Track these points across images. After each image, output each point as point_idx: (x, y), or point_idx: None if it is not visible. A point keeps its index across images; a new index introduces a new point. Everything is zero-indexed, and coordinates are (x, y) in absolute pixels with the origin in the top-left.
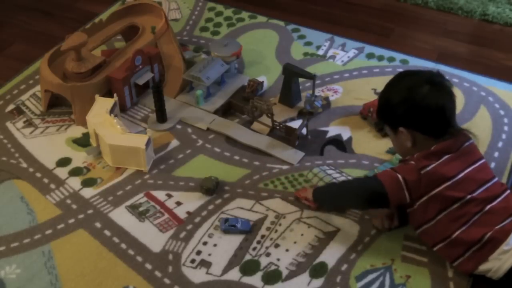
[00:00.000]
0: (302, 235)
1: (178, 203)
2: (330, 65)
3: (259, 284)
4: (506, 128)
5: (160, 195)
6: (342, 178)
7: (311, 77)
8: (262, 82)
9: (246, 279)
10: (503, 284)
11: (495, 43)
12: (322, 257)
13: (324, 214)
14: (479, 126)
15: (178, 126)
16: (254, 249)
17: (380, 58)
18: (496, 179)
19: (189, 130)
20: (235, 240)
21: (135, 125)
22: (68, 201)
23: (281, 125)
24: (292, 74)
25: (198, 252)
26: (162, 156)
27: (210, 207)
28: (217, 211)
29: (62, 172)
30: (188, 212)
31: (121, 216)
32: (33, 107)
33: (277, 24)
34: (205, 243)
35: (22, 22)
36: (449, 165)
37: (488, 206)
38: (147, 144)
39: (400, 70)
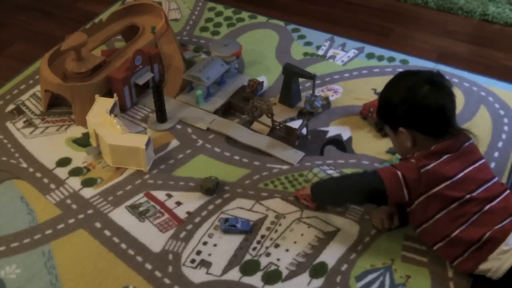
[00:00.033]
0: (302, 235)
1: (178, 203)
2: (330, 65)
3: (259, 284)
4: (506, 128)
5: (160, 195)
6: None
7: (311, 77)
8: (262, 82)
9: (246, 279)
10: (503, 284)
11: (495, 43)
12: (322, 257)
13: (324, 214)
14: (479, 126)
15: (178, 126)
16: (254, 249)
17: (380, 58)
18: (496, 179)
19: (189, 130)
20: (235, 240)
21: (135, 125)
22: (68, 201)
23: (281, 125)
24: (292, 74)
25: (198, 252)
26: (162, 156)
27: (210, 207)
28: (217, 211)
29: (62, 172)
30: (188, 212)
31: (121, 216)
32: (33, 107)
33: (277, 24)
34: (205, 243)
35: (22, 22)
36: (449, 165)
37: (488, 206)
38: (147, 144)
39: (400, 70)
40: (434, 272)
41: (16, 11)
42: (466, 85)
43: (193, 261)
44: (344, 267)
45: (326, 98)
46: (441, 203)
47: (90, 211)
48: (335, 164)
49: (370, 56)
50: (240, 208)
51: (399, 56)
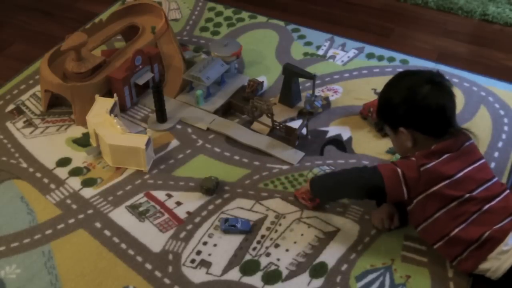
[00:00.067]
0: (302, 235)
1: (178, 203)
2: (330, 65)
3: (259, 284)
4: (506, 128)
5: (160, 195)
6: None
7: (311, 77)
8: (262, 82)
9: (246, 279)
10: (503, 284)
11: (495, 43)
12: (322, 257)
13: (324, 214)
14: (479, 126)
15: (178, 126)
16: (254, 249)
17: (380, 58)
18: (496, 179)
19: (189, 130)
20: (235, 240)
21: (135, 125)
22: (68, 201)
23: (281, 125)
24: (292, 74)
25: (198, 252)
26: (162, 156)
27: (210, 207)
28: (217, 211)
29: (62, 172)
30: (188, 212)
31: (121, 216)
32: (33, 107)
33: (277, 24)
34: (205, 243)
35: (22, 22)
36: (449, 164)
37: (487, 206)
38: (147, 144)
39: (400, 70)
40: (434, 272)
41: (16, 11)
42: (466, 85)
43: (193, 261)
44: (344, 267)
45: (326, 98)
46: (440, 202)
47: (90, 211)
48: (335, 164)
49: (370, 56)
50: (240, 208)
51: (399, 56)
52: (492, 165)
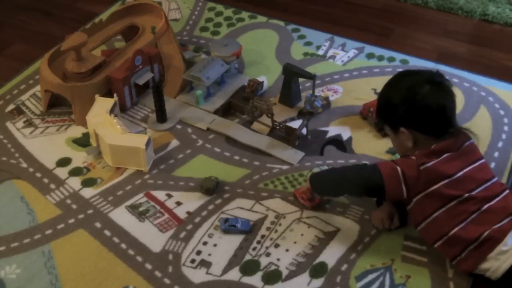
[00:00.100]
0: (302, 235)
1: (178, 203)
2: (330, 65)
3: (259, 284)
4: (506, 128)
5: (160, 195)
6: None
7: (311, 77)
8: (262, 82)
9: (246, 279)
10: (502, 284)
11: (495, 43)
12: (322, 257)
13: (324, 214)
14: (479, 126)
15: (178, 126)
16: (254, 249)
17: (380, 58)
18: (495, 179)
19: (189, 130)
20: (235, 240)
21: (135, 125)
22: (68, 201)
23: (281, 125)
24: (292, 74)
25: (198, 252)
26: (162, 156)
27: (210, 207)
28: (217, 211)
29: (62, 172)
30: (188, 212)
31: (121, 216)
32: (33, 107)
33: (277, 24)
34: (205, 243)
35: (22, 22)
36: (448, 164)
37: (487, 205)
38: (147, 144)
39: (400, 70)
40: (434, 272)
41: (16, 11)
42: (466, 85)
43: (193, 261)
44: (344, 267)
45: (326, 98)
46: (439, 201)
47: (90, 211)
48: (335, 164)
49: (370, 56)
50: (240, 208)
51: (399, 56)
52: (492, 165)
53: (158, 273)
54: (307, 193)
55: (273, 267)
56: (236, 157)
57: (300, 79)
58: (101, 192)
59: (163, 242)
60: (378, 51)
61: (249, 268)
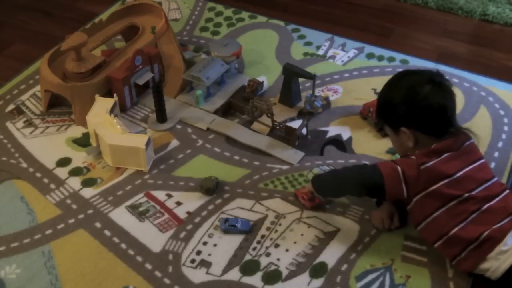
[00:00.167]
0: (302, 235)
1: (178, 203)
2: (330, 65)
3: (259, 284)
4: (506, 128)
5: (160, 195)
6: None
7: (311, 77)
8: (262, 82)
9: (246, 279)
10: (502, 284)
11: (495, 43)
12: (322, 257)
13: (324, 214)
14: (479, 126)
15: (178, 126)
16: (254, 249)
17: (380, 58)
18: (495, 178)
19: (189, 130)
20: (235, 240)
21: (135, 125)
22: (68, 201)
23: (281, 125)
24: (292, 74)
25: (198, 252)
26: (162, 156)
27: (210, 207)
28: (217, 211)
29: (62, 172)
30: (188, 212)
31: (121, 216)
32: (33, 107)
33: (277, 24)
34: (205, 243)
35: (22, 22)
36: (448, 163)
37: (487, 205)
38: (147, 144)
39: (400, 70)
40: (434, 272)
41: (16, 11)
42: (466, 85)
43: (193, 261)
44: (344, 267)
45: (326, 98)
46: (440, 201)
47: (90, 211)
48: (335, 164)
49: (370, 56)
50: (240, 208)
51: (399, 56)
52: (492, 165)
53: (158, 273)
54: (308, 194)
55: (273, 267)
56: (236, 157)
57: (300, 79)
58: (101, 192)
59: (163, 242)
60: (378, 51)
61: (249, 268)
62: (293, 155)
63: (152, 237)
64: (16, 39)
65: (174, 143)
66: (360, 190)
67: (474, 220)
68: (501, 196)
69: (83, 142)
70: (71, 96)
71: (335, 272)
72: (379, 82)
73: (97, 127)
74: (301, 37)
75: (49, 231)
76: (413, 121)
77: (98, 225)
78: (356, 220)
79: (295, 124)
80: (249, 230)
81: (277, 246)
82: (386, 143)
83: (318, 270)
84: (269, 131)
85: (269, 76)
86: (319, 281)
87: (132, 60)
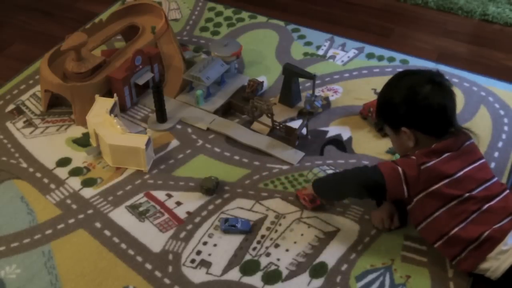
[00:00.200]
0: (302, 235)
1: (178, 203)
2: (330, 65)
3: (259, 284)
4: (506, 128)
5: (160, 195)
6: None
7: (311, 77)
8: (262, 82)
9: (246, 279)
10: (502, 284)
11: (495, 43)
12: (322, 257)
13: (324, 214)
14: (479, 126)
15: (178, 126)
16: (254, 249)
17: (380, 58)
18: (495, 178)
19: (189, 130)
20: (235, 240)
21: (135, 125)
22: (68, 201)
23: (281, 125)
24: (292, 74)
25: (198, 252)
26: (162, 156)
27: (210, 207)
28: (217, 211)
29: (62, 172)
30: (188, 212)
31: (121, 216)
32: (33, 107)
33: (277, 24)
34: (205, 243)
35: (22, 22)
36: (449, 163)
37: (487, 205)
38: (147, 144)
39: (400, 70)
40: (434, 272)
41: (16, 11)
42: (466, 85)
43: (193, 261)
44: (344, 267)
45: (326, 98)
46: (440, 201)
47: (90, 211)
48: (335, 164)
49: (370, 56)
50: (240, 208)
51: (399, 56)
52: (492, 165)
53: (158, 273)
54: (310, 195)
55: (273, 267)
56: (236, 157)
57: (300, 79)
58: (101, 192)
59: (163, 242)
60: (378, 51)
61: (249, 268)
62: (293, 155)
63: (152, 237)
64: (16, 39)
65: (174, 143)
66: (360, 190)
67: (474, 220)
68: (501, 196)
69: (83, 142)
70: (71, 96)
71: (335, 272)
72: (379, 82)
73: (97, 127)
74: (301, 37)
75: (49, 231)
76: (413, 121)
77: (98, 225)
78: (356, 220)
79: (295, 124)
80: (249, 230)
81: (277, 246)
82: (386, 143)
83: (318, 270)
84: (269, 131)
85: (269, 76)
86: (319, 281)
87: (132, 60)
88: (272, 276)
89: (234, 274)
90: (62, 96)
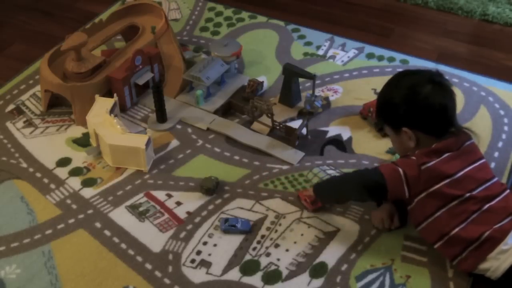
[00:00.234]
0: (302, 235)
1: (178, 203)
2: (330, 65)
3: (259, 284)
4: (506, 128)
5: (160, 195)
6: None
7: (311, 77)
8: (262, 82)
9: (246, 279)
10: (502, 284)
11: (495, 43)
12: (322, 257)
13: (324, 214)
14: (479, 126)
15: (178, 126)
16: (254, 249)
17: (380, 58)
18: (496, 178)
19: (189, 130)
20: (235, 240)
21: (135, 125)
22: (68, 201)
23: (281, 125)
24: (292, 74)
25: (198, 252)
26: (162, 156)
27: (210, 207)
28: (217, 211)
29: (62, 172)
30: (188, 212)
31: (121, 216)
32: (33, 107)
33: (277, 24)
34: (205, 243)
35: (22, 22)
36: (449, 163)
37: (487, 205)
38: (147, 144)
39: (400, 70)
40: (434, 272)
41: (16, 11)
42: (466, 85)
43: (193, 261)
44: (344, 267)
45: (326, 98)
46: (440, 200)
47: (90, 211)
48: (335, 164)
49: (370, 56)
50: (240, 208)
51: (399, 56)
52: (492, 165)
53: (158, 273)
54: (311, 196)
55: (273, 267)
56: (236, 157)
57: (300, 79)
58: (101, 192)
59: (163, 242)
60: (378, 51)
61: (249, 268)
62: (293, 155)
63: (152, 237)
64: (16, 39)
65: (174, 143)
66: (361, 191)
67: (474, 220)
68: (501, 196)
69: (83, 142)
70: (71, 96)
71: (335, 272)
72: (379, 82)
73: (97, 127)
74: (301, 37)
75: (49, 231)
76: (414, 121)
77: (98, 225)
78: (356, 220)
79: (295, 124)
80: (249, 230)
81: (277, 246)
82: (386, 143)
83: (318, 270)
84: (269, 131)
85: (269, 76)
86: (319, 281)
87: (132, 60)
88: (272, 276)
89: (234, 274)
90: (62, 96)
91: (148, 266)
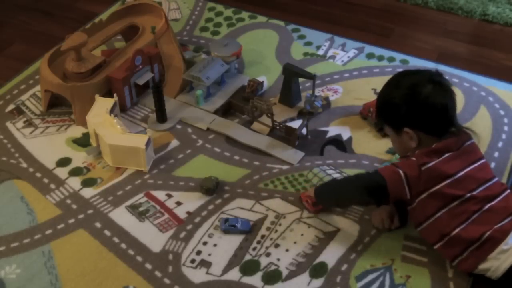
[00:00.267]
0: (302, 235)
1: (178, 203)
2: (330, 65)
3: (259, 284)
4: (506, 128)
5: (160, 195)
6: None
7: (311, 77)
8: (262, 82)
9: (246, 279)
10: (502, 284)
11: (495, 43)
12: (322, 257)
13: (324, 214)
14: (479, 126)
15: (178, 126)
16: (254, 249)
17: (380, 58)
18: (496, 178)
19: (189, 130)
20: (235, 240)
21: (135, 125)
22: (68, 201)
23: (281, 125)
24: (292, 74)
25: (198, 252)
26: (162, 156)
27: (210, 207)
28: (217, 211)
29: (62, 172)
30: (188, 212)
31: (121, 216)
32: (33, 107)
33: (277, 24)
34: (205, 243)
35: (22, 22)
36: (449, 163)
37: (488, 205)
38: (147, 144)
39: (400, 70)
40: (434, 272)
41: (16, 11)
42: (466, 85)
43: (193, 261)
44: (344, 267)
45: (326, 98)
46: (441, 201)
47: (90, 211)
48: (335, 164)
49: (370, 56)
50: (240, 208)
51: (399, 56)
52: (492, 165)
53: (158, 273)
54: (313, 198)
55: (273, 267)
56: (236, 157)
57: (300, 79)
58: (101, 192)
59: (163, 242)
60: (378, 51)
61: (249, 268)
62: (293, 155)
63: (152, 237)
64: (16, 39)
65: (174, 143)
66: (362, 192)
67: (475, 220)
68: (502, 196)
69: (83, 142)
70: (71, 96)
71: (335, 272)
72: (379, 82)
73: (97, 127)
74: (301, 37)
75: (49, 231)
76: (415, 121)
77: (98, 225)
78: (356, 220)
79: (295, 124)
80: (249, 230)
81: (277, 246)
82: (386, 143)
83: (318, 270)
84: (269, 131)
85: (269, 76)
86: (319, 281)
87: (132, 60)
88: (272, 276)
89: (234, 274)
90: (62, 96)
91: (148, 266)
